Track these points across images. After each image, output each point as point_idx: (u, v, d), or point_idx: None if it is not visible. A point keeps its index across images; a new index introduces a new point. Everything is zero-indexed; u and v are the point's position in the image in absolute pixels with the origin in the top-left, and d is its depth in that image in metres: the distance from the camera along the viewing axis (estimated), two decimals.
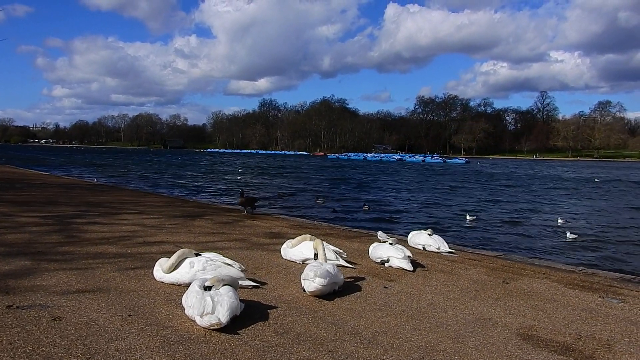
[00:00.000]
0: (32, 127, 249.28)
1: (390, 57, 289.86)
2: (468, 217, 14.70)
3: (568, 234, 12.40)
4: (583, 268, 6.74)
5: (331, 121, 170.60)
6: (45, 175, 24.46)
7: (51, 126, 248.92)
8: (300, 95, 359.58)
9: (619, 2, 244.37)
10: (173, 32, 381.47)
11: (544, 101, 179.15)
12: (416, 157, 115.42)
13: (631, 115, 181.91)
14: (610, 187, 34.66)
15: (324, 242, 5.97)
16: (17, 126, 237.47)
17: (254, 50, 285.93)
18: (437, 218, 15.87)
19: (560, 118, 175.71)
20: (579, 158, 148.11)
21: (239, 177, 35.50)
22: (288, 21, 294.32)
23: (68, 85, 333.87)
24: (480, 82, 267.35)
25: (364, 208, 17.91)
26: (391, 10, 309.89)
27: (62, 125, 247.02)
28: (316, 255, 5.55)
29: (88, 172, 37.10)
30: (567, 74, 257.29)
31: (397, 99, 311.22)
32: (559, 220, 14.23)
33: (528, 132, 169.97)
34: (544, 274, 6.13)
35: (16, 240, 6.85)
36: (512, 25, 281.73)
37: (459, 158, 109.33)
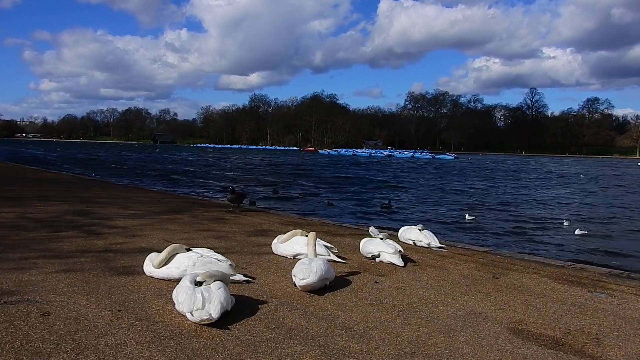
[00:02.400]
0: (20, 122, 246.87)
1: (382, 53, 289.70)
2: (467, 217, 14.55)
3: (577, 231, 12.37)
4: (572, 263, 6.81)
5: (321, 117, 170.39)
6: (35, 170, 24.21)
7: (39, 120, 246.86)
8: (291, 91, 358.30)
9: None
10: (164, 26, 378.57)
11: (533, 98, 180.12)
12: (405, 152, 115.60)
13: (619, 112, 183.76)
14: (595, 183, 34.98)
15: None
16: (4, 120, 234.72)
17: (246, 45, 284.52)
18: (433, 215, 15.75)
19: (549, 114, 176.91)
20: (567, 154, 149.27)
21: (232, 173, 35.25)
22: (280, 15, 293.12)
23: (56, 79, 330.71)
24: (472, 78, 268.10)
25: (384, 205, 17.65)
26: (384, 4, 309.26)
27: (50, 119, 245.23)
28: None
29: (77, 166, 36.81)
30: (558, 70, 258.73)
31: (389, 95, 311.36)
32: (565, 223, 14.04)
33: (517, 128, 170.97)
34: (533, 269, 6.18)
35: (3, 235, 6.78)
36: (505, 21, 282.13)
37: (447, 154, 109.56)
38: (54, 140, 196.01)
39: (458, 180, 34.38)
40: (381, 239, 6.33)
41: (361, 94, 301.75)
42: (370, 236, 6.66)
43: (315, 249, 5.36)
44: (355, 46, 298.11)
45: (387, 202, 17.93)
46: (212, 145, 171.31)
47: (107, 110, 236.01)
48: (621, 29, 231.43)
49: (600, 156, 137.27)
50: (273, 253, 6.34)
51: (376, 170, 45.84)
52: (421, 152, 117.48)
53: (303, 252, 5.90)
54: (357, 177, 34.13)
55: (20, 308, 3.91)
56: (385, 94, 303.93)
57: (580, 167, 65.34)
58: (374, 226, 7.17)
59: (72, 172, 28.74)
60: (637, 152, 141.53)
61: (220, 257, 5.07)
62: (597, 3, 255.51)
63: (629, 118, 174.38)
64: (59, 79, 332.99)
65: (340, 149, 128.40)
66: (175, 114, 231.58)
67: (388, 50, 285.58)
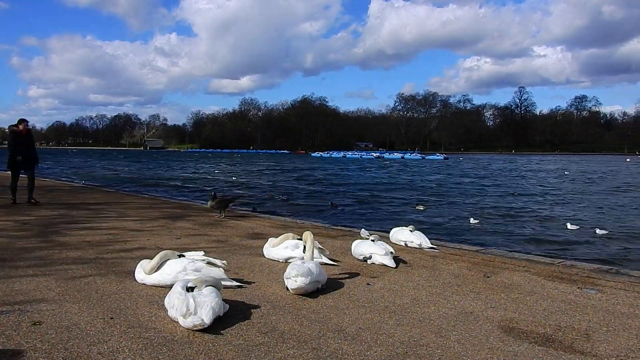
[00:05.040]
0: (8, 129, 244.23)
1: (373, 54, 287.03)
2: (472, 220, 14.27)
3: (597, 230, 12.23)
4: (562, 260, 6.86)
5: (311, 119, 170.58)
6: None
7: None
8: (283, 94, 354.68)
9: None
10: (153, 30, 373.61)
11: (521, 97, 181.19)
12: (395, 154, 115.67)
13: (607, 109, 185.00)
14: (583, 180, 35.24)
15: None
16: None
17: (236, 48, 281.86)
18: (436, 219, 15.35)
19: (538, 113, 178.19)
20: (556, 152, 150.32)
21: (234, 178, 34.93)
22: (270, 18, 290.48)
23: (44, 86, 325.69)
24: (463, 78, 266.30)
25: (417, 207, 17.04)
26: (375, 5, 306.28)
27: (38, 126, 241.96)
28: (304, 248, 5.46)
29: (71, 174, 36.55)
30: (549, 68, 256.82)
31: (380, 96, 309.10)
32: (569, 226, 13.74)
33: (507, 127, 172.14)
34: (523, 267, 6.23)
35: None
36: (496, 21, 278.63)
37: (437, 154, 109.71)
38: (41, 146, 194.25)
39: (456, 182, 34.50)
40: (372, 240, 6.35)
41: (352, 95, 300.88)
42: (361, 238, 6.69)
43: (312, 251, 5.34)
44: (347, 48, 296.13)
45: (417, 203, 17.57)
46: (203, 150, 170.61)
47: (96, 116, 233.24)
48: (612, 26, 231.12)
49: (590, 153, 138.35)
50: (265, 257, 6.35)
51: (368, 172, 45.91)
52: (411, 153, 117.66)
53: (295, 256, 5.92)
54: (356, 182, 34.11)
55: (12, 317, 3.89)
56: (376, 95, 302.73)
57: (571, 165, 65.76)
58: (365, 228, 7.20)
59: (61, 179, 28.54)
60: (625, 149, 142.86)
61: (212, 261, 5.08)
62: (587, 1, 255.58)
63: (616, 115, 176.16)
64: (47, 85, 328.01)
65: (331, 152, 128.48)
66: (165, 119, 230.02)
67: (379, 52, 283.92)
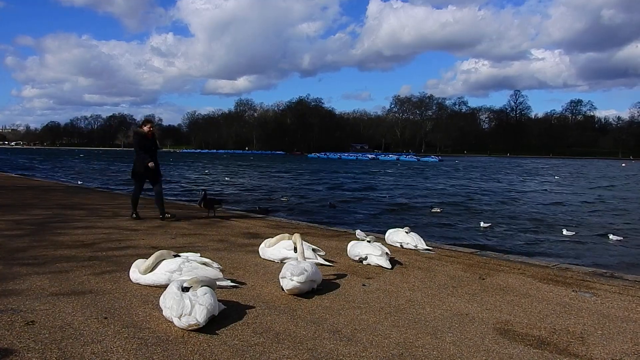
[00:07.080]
0: (2, 129, 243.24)
1: (371, 55, 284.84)
2: (482, 224, 14.12)
3: (611, 236, 12.16)
4: (557, 263, 6.88)
5: (307, 121, 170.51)
6: (18, 178, 23.93)
7: (22, 127, 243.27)
8: (280, 95, 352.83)
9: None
10: (150, 30, 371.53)
11: (517, 100, 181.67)
12: (390, 155, 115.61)
13: (602, 113, 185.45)
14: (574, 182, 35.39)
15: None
16: None
17: (233, 49, 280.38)
18: (445, 222, 14.90)
19: (533, 116, 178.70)
20: (551, 155, 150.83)
21: (227, 178, 34.81)
22: (268, 18, 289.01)
23: (39, 85, 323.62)
24: (461, 80, 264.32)
25: (433, 210, 16.78)
26: (373, 6, 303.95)
27: (33, 126, 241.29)
28: (296, 249, 5.56)
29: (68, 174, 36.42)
30: (547, 72, 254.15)
31: (377, 98, 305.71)
32: (564, 232, 13.56)
33: (502, 130, 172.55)
34: (519, 269, 6.24)
35: None
36: (495, 23, 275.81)
37: (432, 156, 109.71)
38: (34, 147, 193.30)
39: (455, 184, 34.53)
40: (368, 241, 6.35)
41: (349, 97, 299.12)
42: (357, 239, 6.69)
43: (303, 250, 5.39)
44: (344, 49, 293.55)
45: (432, 206, 17.45)
46: (198, 151, 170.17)
47: (91, 116, 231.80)
48: (611, 30, 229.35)
49: (584, 158, 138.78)
50: (260, 257, 6.34)
51: (365, 174, 45.90)
52: (406, 155, 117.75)
53: (291, 256, 5.91)
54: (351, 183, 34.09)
55: (5, 317, 3.86)
56: (373, 97, 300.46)
57: (567, 169, 66.02)
58: (361, 229, 7.20)
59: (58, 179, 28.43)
60: (620, 154, 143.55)
61: (207, 261, 5.07)
62: (587, 4, 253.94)
63: (610, 119, 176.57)
64: (42, 85, 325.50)
65: (328, 153, 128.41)
66: (160, 120, 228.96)
67: (377, 53, 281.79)
